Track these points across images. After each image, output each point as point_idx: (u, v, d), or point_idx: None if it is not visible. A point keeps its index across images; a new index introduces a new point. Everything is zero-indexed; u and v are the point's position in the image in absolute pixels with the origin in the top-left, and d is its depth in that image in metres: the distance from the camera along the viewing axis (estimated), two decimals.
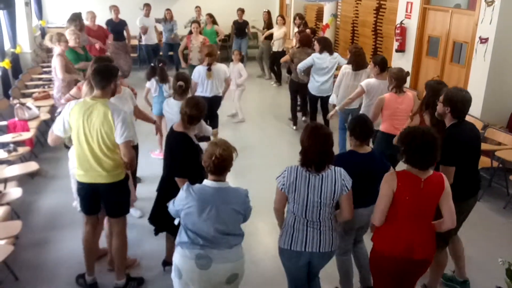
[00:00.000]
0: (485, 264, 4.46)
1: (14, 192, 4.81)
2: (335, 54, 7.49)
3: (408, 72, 5.25)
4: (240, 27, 11.78)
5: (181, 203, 3.00)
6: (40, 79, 8.98)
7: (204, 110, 3.87)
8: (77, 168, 3.76)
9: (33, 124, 6.59)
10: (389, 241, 3.14)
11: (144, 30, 10.77)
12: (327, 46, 7.38)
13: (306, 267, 3.36)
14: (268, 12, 11.84)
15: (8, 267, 4.15)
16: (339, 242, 3.39)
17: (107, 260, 4.33)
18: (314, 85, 7.46)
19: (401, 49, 8.54)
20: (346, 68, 6.60)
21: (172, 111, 4.93)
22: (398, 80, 5.05)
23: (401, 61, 8.36)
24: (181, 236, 3.04)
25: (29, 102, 7.17)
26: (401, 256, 3.10)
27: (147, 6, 10.84)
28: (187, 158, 3.70)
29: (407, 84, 8.12)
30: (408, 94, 5.22)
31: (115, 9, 10.17)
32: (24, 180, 5.70)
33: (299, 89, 8.08)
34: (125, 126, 3.60)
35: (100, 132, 3.59)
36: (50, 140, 3.87)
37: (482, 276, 4.34)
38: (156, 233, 4.14)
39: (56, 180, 6.09)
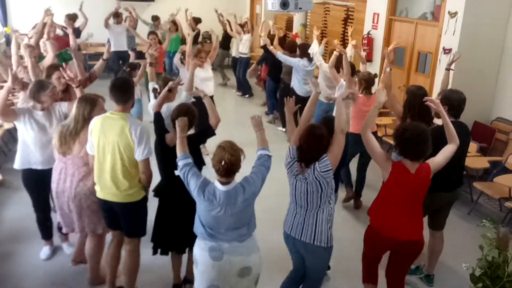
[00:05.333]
0: (450, 269, 4.57)
1: None
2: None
3: (376, 74, 5.65)
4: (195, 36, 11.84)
5: (194, 187, 3.07)
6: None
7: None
8: (96, 184, 3.68)
9: None
10: (378, 219, 3.51)
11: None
12: (306, 52, 7.54)
13: (297, 252, 3.55)
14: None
15: None
16: None
17: (87, 277, 4.18)
18: (299, 86, 7.57)
19: (368, 59, 8.69)
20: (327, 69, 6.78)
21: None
22: (367, 82, 5.42)
23: (368, 71, 8.51)
24: (197, 225, 3.21)
25: None
26: (386, 235, 3.42)
27: (118, 14, 10.69)
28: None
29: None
30: (374, 95, 5.49)
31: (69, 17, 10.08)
32: None
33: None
34: (145, 143, 3.50)
35: (118, 148, 3.49)
36: (90, 163, 3.71)
37: (446, 281, 4.44)
38: (155, 253, 3.97)
39: (20, 191, 5.86)
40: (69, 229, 4.01)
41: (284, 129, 8.38)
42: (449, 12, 6.66)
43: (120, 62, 11.01)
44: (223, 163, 2.97)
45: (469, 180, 6.07)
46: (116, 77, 3.91)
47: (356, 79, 5.64)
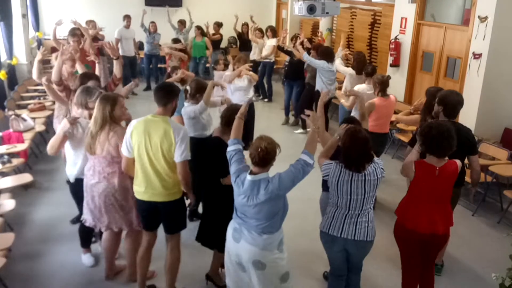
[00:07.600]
0: (479, 278, 4.47)
1: (8, 204, 4.78)
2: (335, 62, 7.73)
3: (389, 76, 5.79)
4: (216, 41, 11.95)
5: (233, 171, 3.27)
6: (35, 90, 8.96)
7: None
8: (137, 186, 3.76)
9: (28, 136, 6.58)
10: (412, 218, 3.57)
11: (116, 42, 10.74)
12: (326, 56, 7.65)
13: (343, 254, 3.61)
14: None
15: (1, 279, 4.12)
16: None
17: (127, 273, 4.27)
18: (324, 87, 7.60)
19: (395, 64, 8.62)
20: (351, 71, 7.22)
21: (184, 113, 4.97)
22: (381, 84, 5.59)
23: (396, 76, 8.42)
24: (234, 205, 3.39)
25: (24, 113, 7.16)
26: (426, 231, 3.52)
27: (127, 17, 10.92)
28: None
29: (401, 98, 8.26)
30: (391, 97, 5.74)
31: (92, 24, 10.26)
32: (17, 192, 5.65)
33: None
34: (185, 145, 3.62)
35: (160, 150, 3.59)
36: (123, 166, 3.78)
37: None
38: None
39: (50, 192, 6.06)
40: (93, 226, 4.06)
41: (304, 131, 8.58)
42: (479, 16, 6.54)
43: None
44: (259, 150, 3.11)
45: (499, 188, 5.93)
46: (164, 82, 4.29)
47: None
